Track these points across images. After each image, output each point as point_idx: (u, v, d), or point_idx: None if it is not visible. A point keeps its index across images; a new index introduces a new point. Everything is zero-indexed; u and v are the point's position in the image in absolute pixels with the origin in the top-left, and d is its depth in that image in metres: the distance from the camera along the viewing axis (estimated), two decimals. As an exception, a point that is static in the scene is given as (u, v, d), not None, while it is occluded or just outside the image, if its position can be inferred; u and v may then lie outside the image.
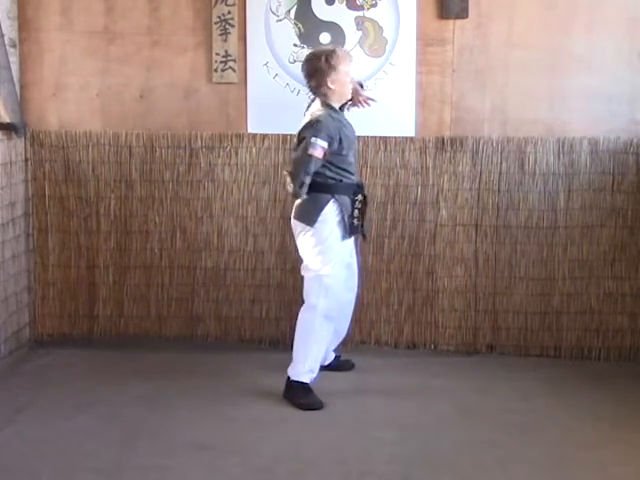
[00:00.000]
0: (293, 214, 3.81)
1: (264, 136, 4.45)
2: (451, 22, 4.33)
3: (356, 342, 4.53)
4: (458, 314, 4.49)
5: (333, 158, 3.68)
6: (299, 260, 3.85)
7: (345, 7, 4.35)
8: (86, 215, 4.55)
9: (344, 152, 3.72)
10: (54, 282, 4.60)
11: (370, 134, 4.39)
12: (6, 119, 4.22)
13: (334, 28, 4.36)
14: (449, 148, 4.38)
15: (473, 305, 4.47)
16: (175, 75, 4.46)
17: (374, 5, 4.34)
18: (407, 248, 4.48)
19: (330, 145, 3.63)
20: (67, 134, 4.50)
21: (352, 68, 3.81)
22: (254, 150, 4.46)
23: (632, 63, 4.29)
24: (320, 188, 3.68)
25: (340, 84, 3.72)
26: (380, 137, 4.41)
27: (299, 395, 3.67)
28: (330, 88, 3.70)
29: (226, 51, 4.40)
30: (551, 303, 4.43)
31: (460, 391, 3.89)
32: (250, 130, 4.46)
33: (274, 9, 4.37)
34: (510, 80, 4.35)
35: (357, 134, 4.36)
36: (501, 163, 4.38)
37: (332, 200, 3.69)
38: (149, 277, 4.58)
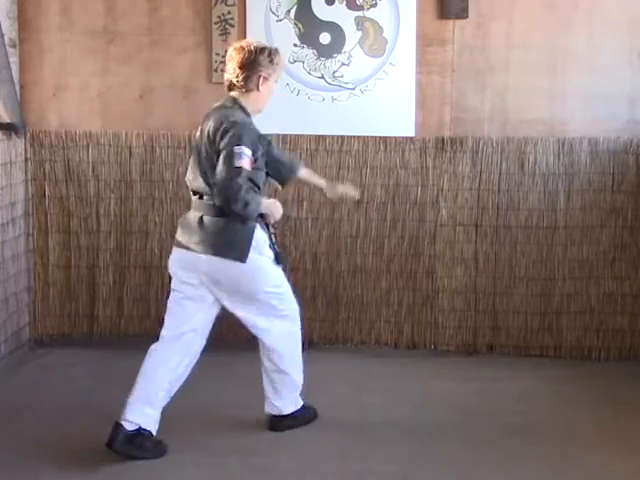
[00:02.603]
0: (213, 249, 3.17)
1: (264, 136, 4.45)
2: (451, 22, 4.32)
3: (356, 342, 4.53)
4: (458, 314, 4.48)
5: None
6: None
7: (345, 7, 4.34)
8: (86, 215, 4.55)
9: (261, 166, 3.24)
10: (54, 282, 4.60)
11: (370, 134, 4.39)
12: (6, 119, 4.22)
13: (334, 28, 4.36)
14: (449, 148, 4.38)
15: (473, 305, 4.47)
16: (175, 75, 4.46)
17: (374, 5, 4.33)
18: (407, 248, 4.47)
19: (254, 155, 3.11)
20: (67, 134, 4.50)
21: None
22: (254, 150, 4.46)
23: (632, 63, 4.29)
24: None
25: (268, 90, 3.25)
26: (380, 137, 4.40)
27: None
28: (258, 90, 3.20)
29: (226, 51, 4.35)
30: (551, 303, 4.43)
31: (460, 391, 3.89)
32: (250, 130, 4.46)
33: (274, 9, 4.37)
34: (510, 80, 4.34)
35: (357, 134, 4.38)
36: (501, 163, 4.38)
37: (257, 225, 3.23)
38: (149, 277, 4.58)
